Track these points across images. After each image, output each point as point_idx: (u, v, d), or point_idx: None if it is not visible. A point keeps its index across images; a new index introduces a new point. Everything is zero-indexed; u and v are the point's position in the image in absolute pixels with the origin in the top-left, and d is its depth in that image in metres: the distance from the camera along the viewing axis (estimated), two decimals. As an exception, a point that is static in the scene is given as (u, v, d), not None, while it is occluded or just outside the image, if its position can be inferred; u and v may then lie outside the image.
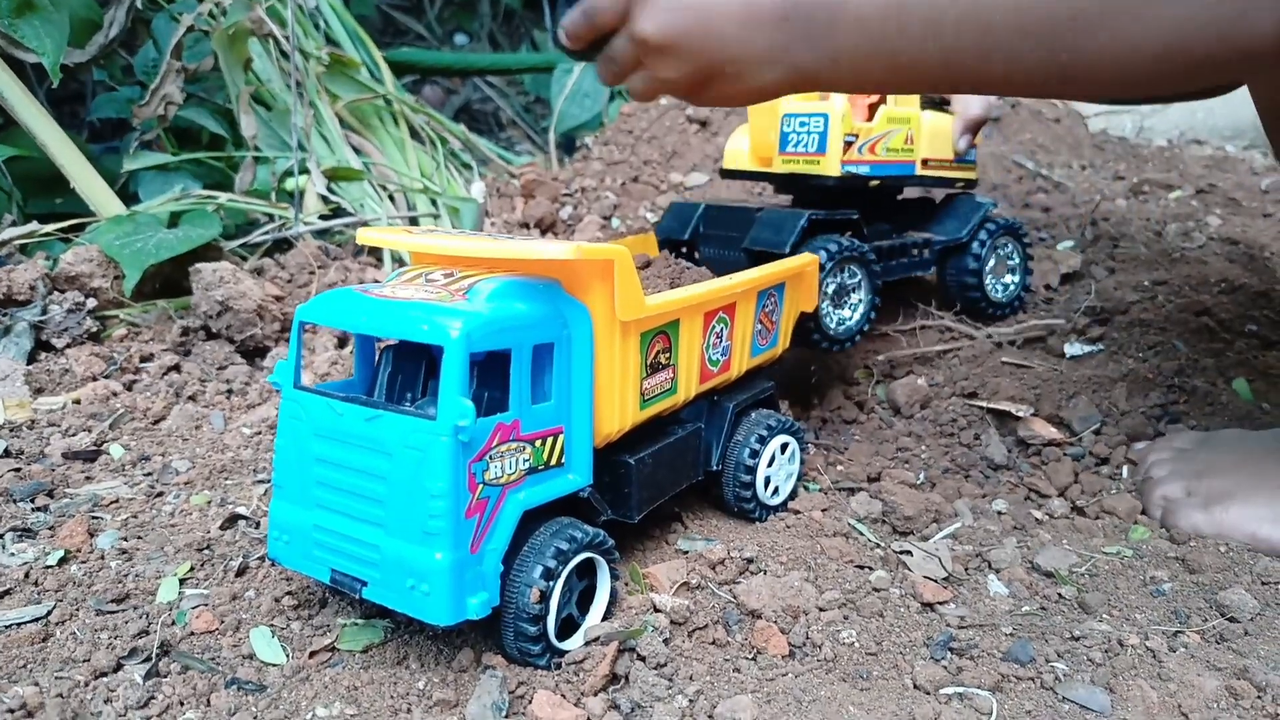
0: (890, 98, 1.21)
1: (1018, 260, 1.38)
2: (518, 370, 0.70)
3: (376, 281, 1.52)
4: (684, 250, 1.24)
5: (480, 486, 0.67)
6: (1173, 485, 0.99)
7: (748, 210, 1.18)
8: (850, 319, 1.15)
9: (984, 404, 1.15)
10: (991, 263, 1.33)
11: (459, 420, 0.64)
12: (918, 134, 1.24)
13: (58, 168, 1.52)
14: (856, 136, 1.16)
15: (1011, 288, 1.38)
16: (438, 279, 0.75)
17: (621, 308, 0.74)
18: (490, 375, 0.73)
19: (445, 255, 0.79)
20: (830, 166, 1.15)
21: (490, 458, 0.68)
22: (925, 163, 1.26)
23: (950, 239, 1.31)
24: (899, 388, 1.19)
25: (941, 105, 1.29)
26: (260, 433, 1.14)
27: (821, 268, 1.07)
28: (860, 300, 1.16)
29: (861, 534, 0.92)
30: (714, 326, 0.89)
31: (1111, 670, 0.74)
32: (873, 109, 1.20)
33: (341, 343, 1.40)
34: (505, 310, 0.70)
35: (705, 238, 1.21)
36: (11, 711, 0.65)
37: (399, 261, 1.64)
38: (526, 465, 0.71)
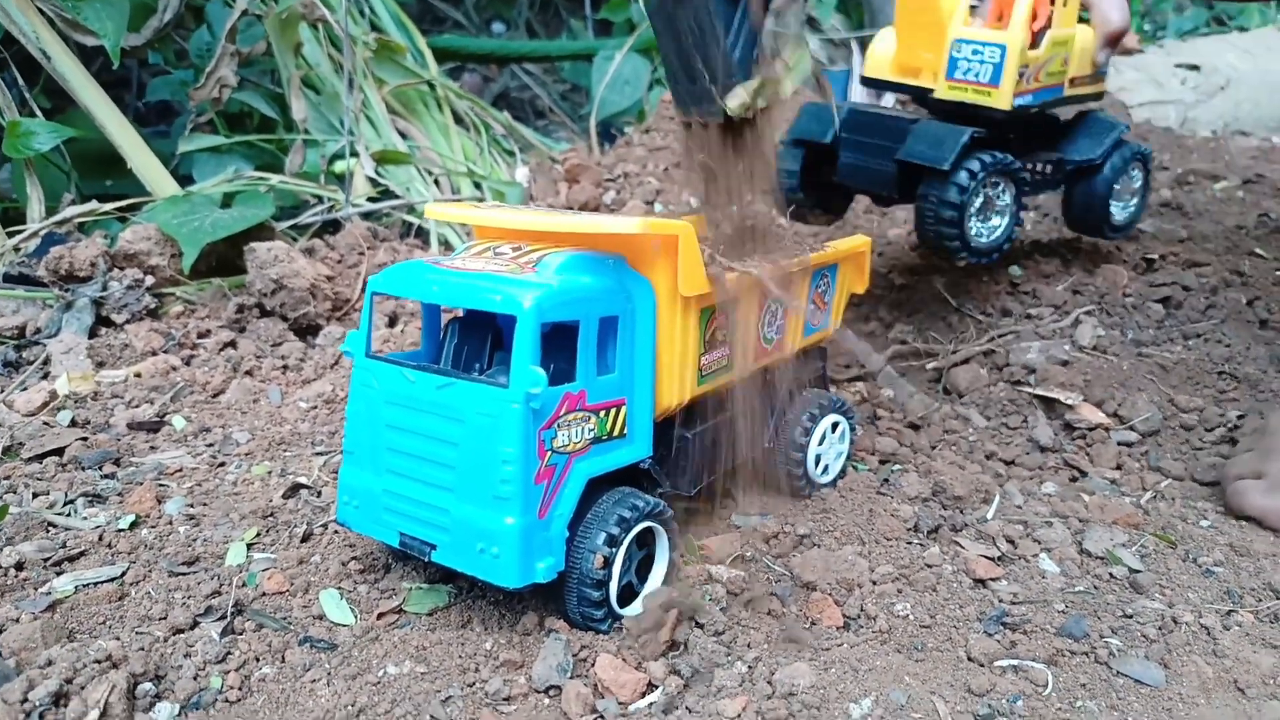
0: (1055, 20, 1.16)
1: (1140, 184, 1.35)
2: (585, 342, 0.71)
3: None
4: (820, 155, 1.23)
5: (549, 453, 0.69)
6: (1244, 462, 0.98)
7: (900, 120, 1.17)
8: (993, 234, 1.18)
9: (1032, 389, 1.15)
10: (1118, 186, 1.32)
11: (531, 388, 0.66)
12: (1072, 55, 1.21)
13: (110, 149, 1.55)
14: (1027, 67, 1.14)
15: (1132, 210, 1.36)
16: (506, 252, 0.76)
17: (684, 283, 0.76)
18: (554, 347, 0.74)
19: (512, 230, 0.81)
20: (1003, 100, 1.14)
21: (558, 426, 0.70)
22: (1072, 81, 1.24)
23: (1084, 160, 1.29)
24: (959, 374, 1.20)
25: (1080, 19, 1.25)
26: (316, 407, 1.17)
27: (973, 176, 1.11)
28: (1005, 217, 1.18)
29: (915, 514, 0.92)
30: (769, 304, 0.90)
31: (1166, 646, 0.75)
32: (1037, 34, 1.16)
33: (391, 321, 1.42)
34: (574, 283, 0.71)
35: (848, 143, 1.20)
36: (99, 662, 0.68)
37: (445, 244, 1.66)
38: (591, 435, 0.73)
